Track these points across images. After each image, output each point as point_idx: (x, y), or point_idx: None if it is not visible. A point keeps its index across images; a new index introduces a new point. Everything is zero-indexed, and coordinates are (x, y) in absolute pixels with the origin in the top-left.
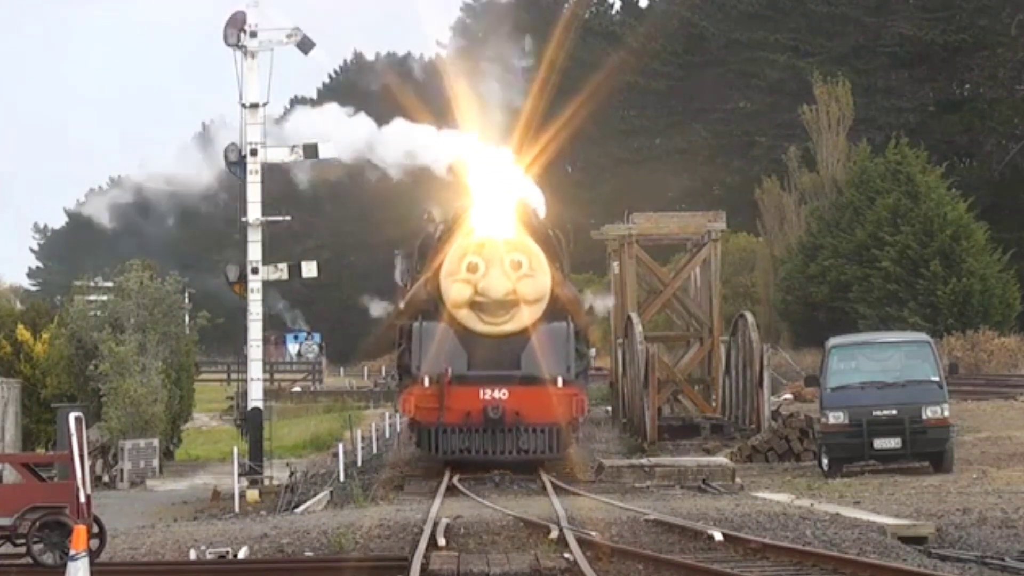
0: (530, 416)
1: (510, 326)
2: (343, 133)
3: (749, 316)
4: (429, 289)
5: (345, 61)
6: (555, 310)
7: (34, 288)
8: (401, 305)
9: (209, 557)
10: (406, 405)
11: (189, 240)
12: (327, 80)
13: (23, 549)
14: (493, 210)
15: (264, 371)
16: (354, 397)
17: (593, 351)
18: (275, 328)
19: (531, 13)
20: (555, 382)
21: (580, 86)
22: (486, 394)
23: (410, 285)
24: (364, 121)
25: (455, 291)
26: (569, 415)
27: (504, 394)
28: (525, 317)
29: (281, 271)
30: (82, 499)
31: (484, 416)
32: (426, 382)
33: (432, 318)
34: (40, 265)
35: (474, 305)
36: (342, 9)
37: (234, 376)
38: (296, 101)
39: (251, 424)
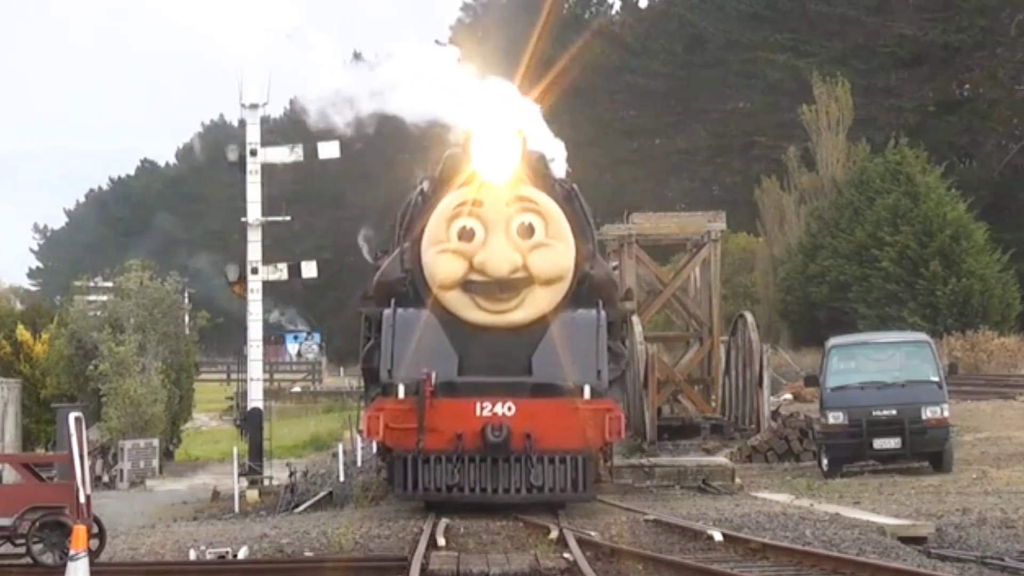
0: (546, 440)
1: (518, 315)
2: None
3: (749, 316)
4: (407, 264)
5: (344, 62)
6: (581, 294)
7: (34, 288)
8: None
9: (209, 557)
10: (371, 424)
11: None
12: None
13: (23, 549)
14: (497, 156)
15: (264, 371)
16: (354, 397)
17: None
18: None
19: (530, 12)
20: (580, 393)
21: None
22: (485, 409)
23: (384, 260)
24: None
25: (443, 266)
26: (600, 438)
27: (510, 409)
28: (540, 303)
29: (281, 271)
30: (82, 499)
31: (482, 440)
32: (401, 392)
33: (410, 304)
34: (40, 265)
35: (468, 286)
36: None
37: (234, 376)
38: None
39: (251, 424)
